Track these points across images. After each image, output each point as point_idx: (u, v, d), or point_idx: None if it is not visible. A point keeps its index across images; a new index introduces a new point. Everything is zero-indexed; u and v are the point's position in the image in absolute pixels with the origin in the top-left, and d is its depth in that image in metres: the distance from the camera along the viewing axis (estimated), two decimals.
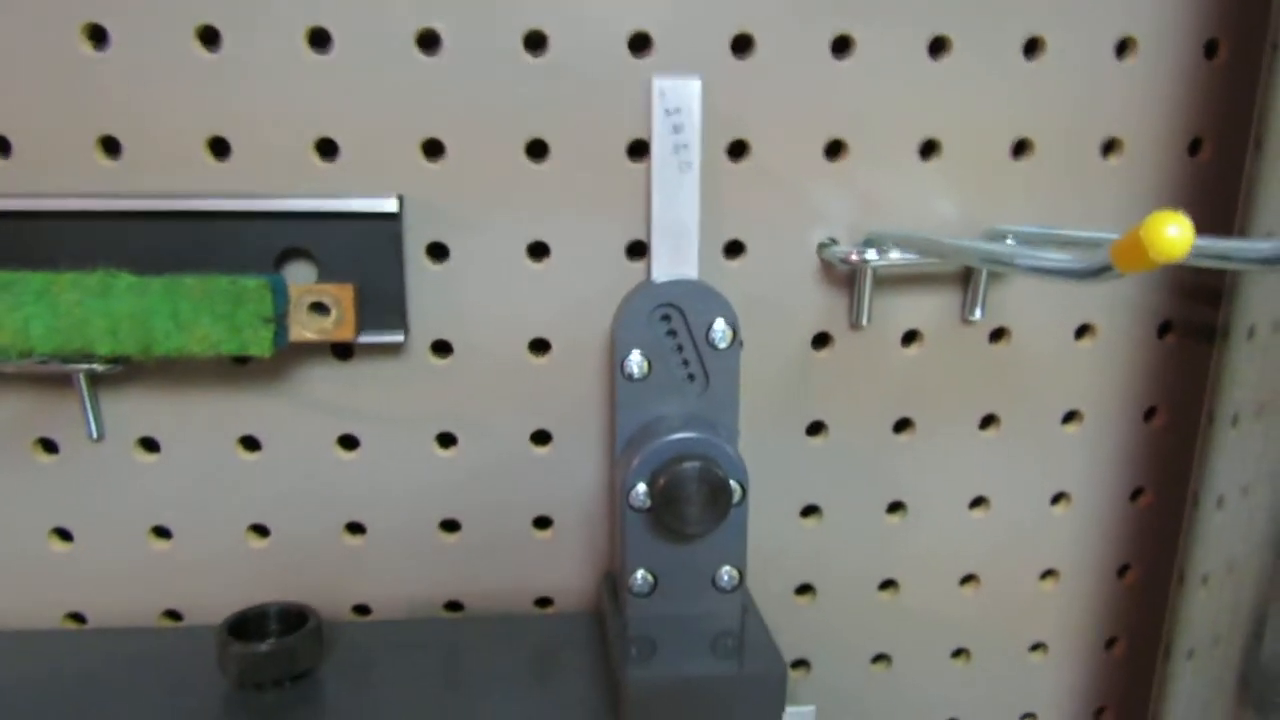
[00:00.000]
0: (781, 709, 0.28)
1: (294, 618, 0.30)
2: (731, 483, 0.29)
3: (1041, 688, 0.40)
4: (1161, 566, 0.38)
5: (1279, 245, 0.20)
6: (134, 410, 0.32)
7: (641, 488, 0.30)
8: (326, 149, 0.31)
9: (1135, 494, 0.38)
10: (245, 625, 0.30)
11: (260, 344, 0.29)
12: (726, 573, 0.31)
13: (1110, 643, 0.40)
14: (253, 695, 0.29)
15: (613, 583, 0.34)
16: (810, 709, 0.36)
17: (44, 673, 0.31)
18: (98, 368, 0.30)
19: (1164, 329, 0.36)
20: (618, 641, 0.30)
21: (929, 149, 0.33)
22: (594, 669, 0.31)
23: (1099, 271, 0.19)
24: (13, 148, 0.30)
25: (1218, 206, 0.34)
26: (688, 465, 0.29)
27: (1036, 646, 0.39)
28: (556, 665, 0.31)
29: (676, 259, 0.32)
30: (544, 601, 0.36)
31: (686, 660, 0.29)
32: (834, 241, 0.33)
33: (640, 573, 0.31)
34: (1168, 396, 0.37)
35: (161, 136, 0.30)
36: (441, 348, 0.33)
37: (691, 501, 0.29)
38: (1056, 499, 0.37)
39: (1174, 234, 0.17)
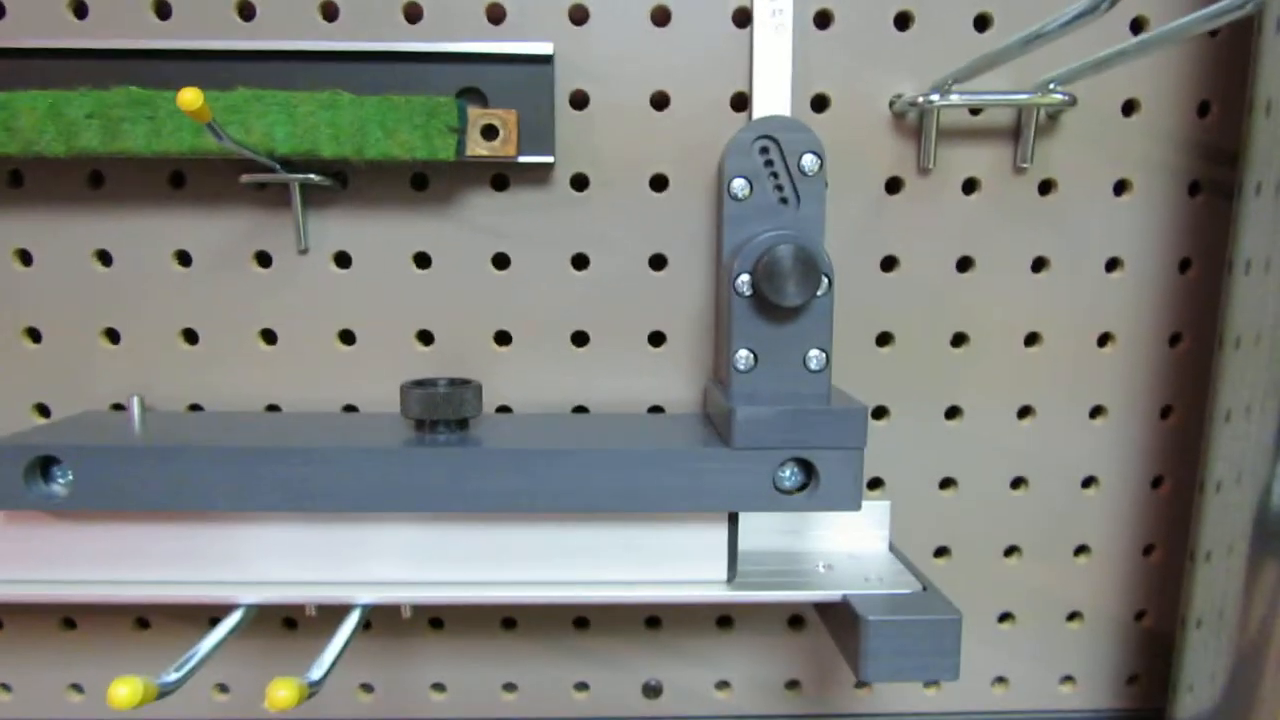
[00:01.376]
0: (864, 438, 0.34)
1: (459, 384, 0.37)
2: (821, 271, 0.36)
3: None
4: (1199, 405, 0.43)
5: None
6: (332, 229, 0.40)
7: (745, 276, 0.36)
8: (495, 15, 0.39)
9: (1173, 339, 0.43)
10: (421, 385, 0.37)
11: (446, 150, 0.36)
12: (815, 355, 0.37)
13: (1157, 481, 0.44)
14: (428, 434, 0.36)
15: (717, 383, 0.40)
16: (886, 503, 0.41)
17: (254, 435, 0.38)
18: (314, 178, 0.38)
19: (1194, 188, 0.42)
20: (724, 403, 0.36)
21: (982, 22, 0.40)
22: (705, 439, 0.37)
23: None
24: (256, 12, 0.39)
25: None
26: (784, 245, 0.35)
27: (1089, 482, 0.44)
28: (673, 435, 0.37)
29: (772, 108, 0.39)
30: (656, 409, 0.42)
31: (784, 404, 0.35)
32: (900, 96, 0.40)
33: (743, 352, 0.37)
34: (1198, 249, 0.42)
35: (365, 4, 0.38)
36: (579, 182, 0.40)
37: (788, 275, 0.35)
38: (1103, 341, 0.43)
39: None
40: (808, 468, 0.35)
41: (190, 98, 0.30)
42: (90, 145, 0.36)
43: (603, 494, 0.34)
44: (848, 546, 0.41)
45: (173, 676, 0.30)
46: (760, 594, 0.36)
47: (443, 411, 0.36)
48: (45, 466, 0.34)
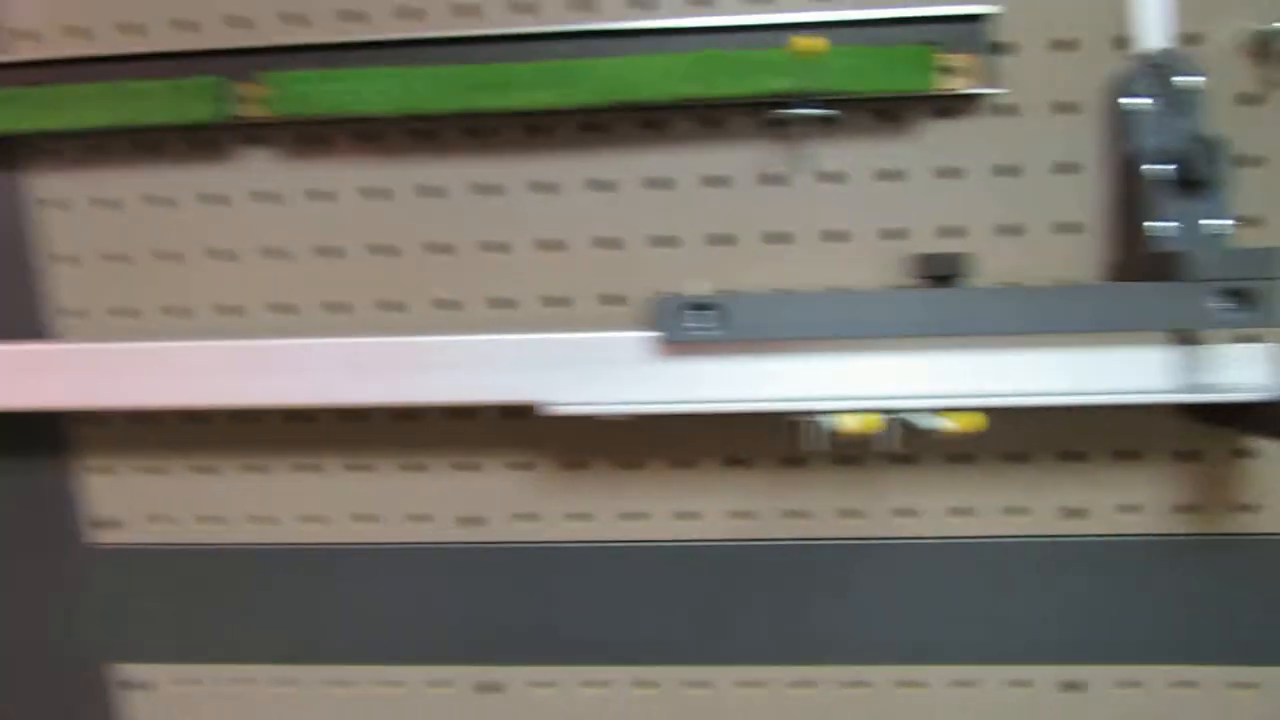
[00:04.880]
0: None
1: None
2: None
3: None
4: None
5: None
6: (825, 152, 0.55)
7: (1165, 166, 0.48)
8: None
9: None
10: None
11: (923, 84, 0.51)
12: (1220, 225, 0.49)
13: None
14: (926, 289, 0.49)
15: (1126, 259, 0.52)
16: None
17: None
18: (817, 112, 0.52)
19: None
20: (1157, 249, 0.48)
21: None
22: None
23: None
24: None
25: None
26: (1193, 141, 0.47)
27: None
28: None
29: (1152, 45, 0.52)
30: None
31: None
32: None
33: (1165, 224, 0.49)
34: None
35: None
36: (1004, 109, 0.54)
37: (1202, 160, 0.47)
38: None
39: None
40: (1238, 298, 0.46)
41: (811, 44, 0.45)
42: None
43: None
44: None
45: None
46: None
47: (936, 268, 0.50)
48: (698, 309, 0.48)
